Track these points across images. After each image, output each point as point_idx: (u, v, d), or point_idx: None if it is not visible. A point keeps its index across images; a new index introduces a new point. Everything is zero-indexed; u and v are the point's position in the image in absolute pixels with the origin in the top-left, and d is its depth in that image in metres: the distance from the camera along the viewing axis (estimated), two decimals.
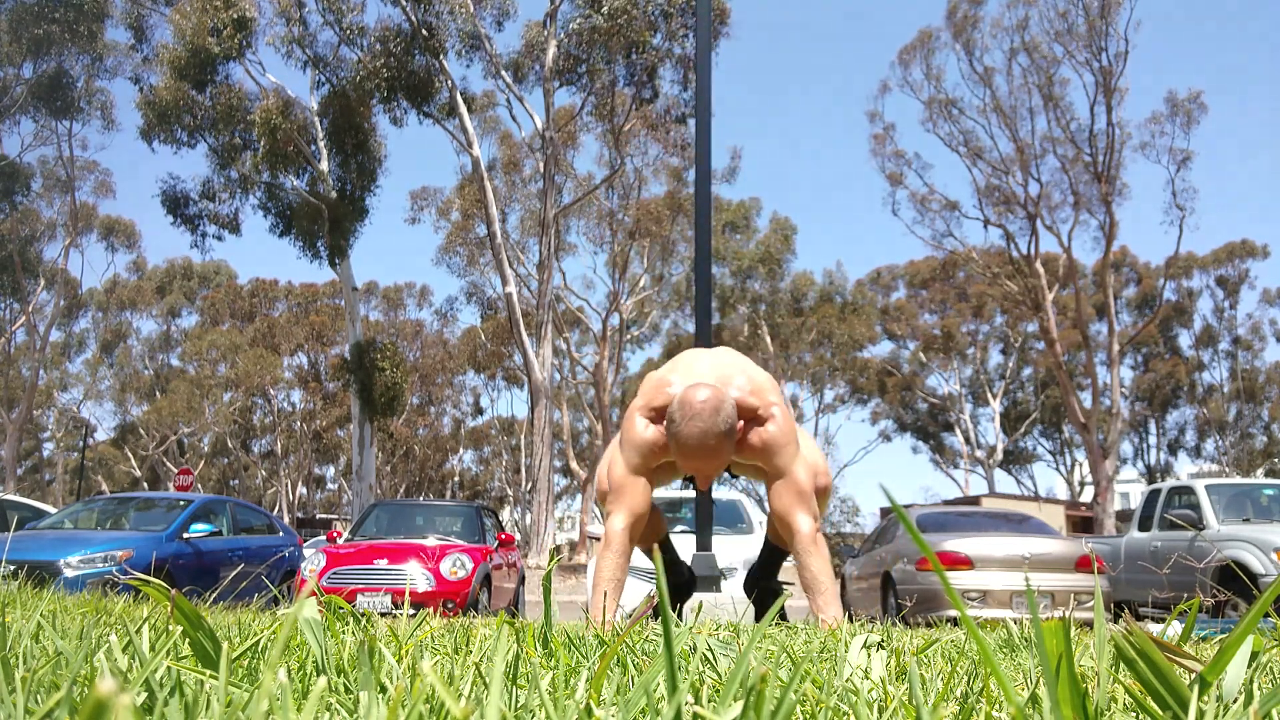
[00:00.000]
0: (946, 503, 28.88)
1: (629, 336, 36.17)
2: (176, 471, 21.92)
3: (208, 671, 0.77)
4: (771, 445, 3.04)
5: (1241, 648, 0.64)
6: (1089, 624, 6.50)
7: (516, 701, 0.78)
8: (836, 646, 1.30)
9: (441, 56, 21.76)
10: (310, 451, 42.90)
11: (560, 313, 31.27)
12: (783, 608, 3.35)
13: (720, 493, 9.97)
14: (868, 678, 0.97)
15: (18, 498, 11.31)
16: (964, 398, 42.73)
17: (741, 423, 3.03)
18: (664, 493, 11.25)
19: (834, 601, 2.94)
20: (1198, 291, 41.77)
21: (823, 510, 3.19)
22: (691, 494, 7.98)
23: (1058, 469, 44.51)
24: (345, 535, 10.05)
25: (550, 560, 1.39)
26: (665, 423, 2.92)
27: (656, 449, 3.06)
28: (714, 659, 1.03)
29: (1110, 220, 26.06)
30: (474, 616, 3.01)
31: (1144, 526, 10.04)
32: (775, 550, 3.41)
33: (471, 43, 22.70)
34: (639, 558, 8.31)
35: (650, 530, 3.40)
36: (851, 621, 2.69)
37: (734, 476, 3.31)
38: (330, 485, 50.96)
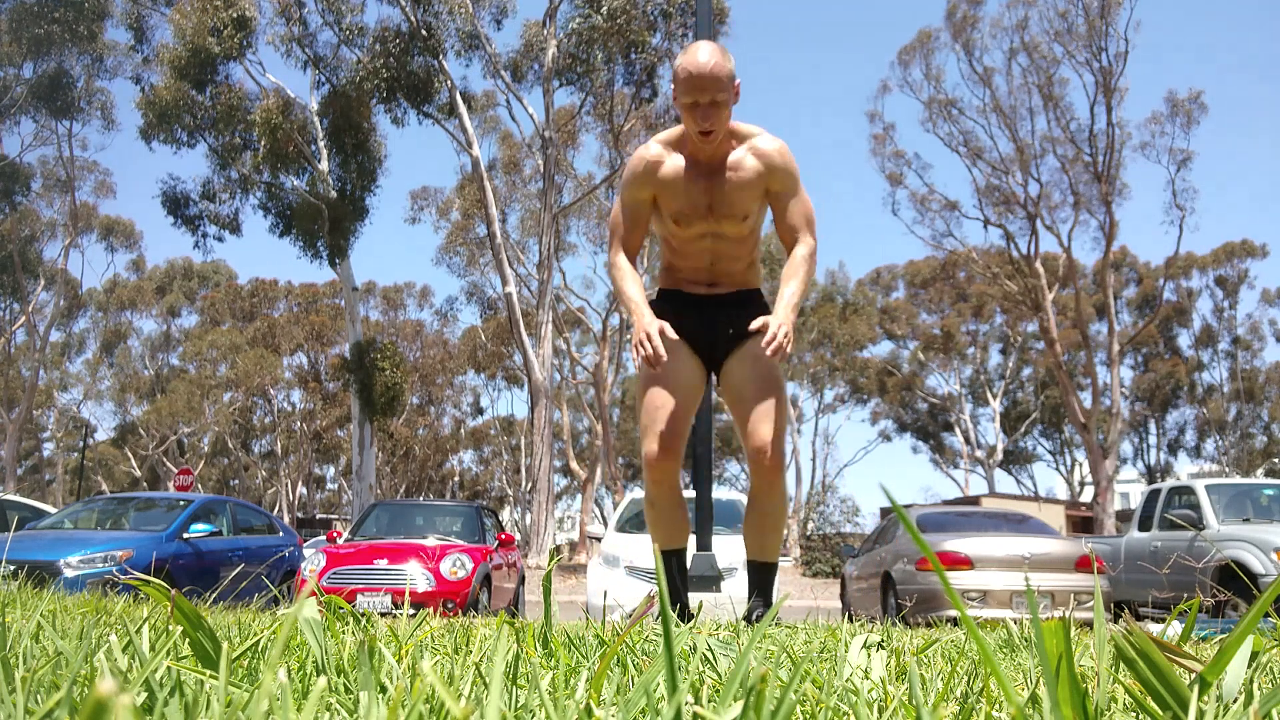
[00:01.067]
0: (946, 503, 28.88)
1: (629, 337, 36.13)
2: (176, 471, 21.93)
3: (208, 671, 0.77)
4: (783, 152, 3.09)
5: (1241, 648, 0.64)
6: (1089, 624, 6.50)
7: (516, 701, 0.78)
8: (836, 646, 1.30)
9: (441, 56, 21.77)
10: (310, 451, 42.91)
11: (560, 313, 31.27)
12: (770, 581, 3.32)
13: (720, 493, 9.97)
14: (868, 678, 0.97)
15: (18, 498, 11.31)
16: (964, 398, 42.74)
17: (742, 131, 3.13)
18: None
19: (799, 291, 3.04)
20: (1197, 291, 41.81)
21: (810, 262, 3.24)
22: (691, 494, 7.97)
23: (1058, 469, 44.54)
24: (345, 535, 10.05)
25: (550, 560, 1.39)
26: (674, 75, 3.00)
27: (654, 164, 3.12)
28: (714, 659, 1.03)
29: (1110, 220, 26.07)
30: (474, 616, 2.99)
31: (1144, 526, 10.04)
32: (760, 569, 3.30)
33: (471, 42, 22.72)
34: (638, 557, 8.31)
35: (678, 529, 3.35)
36: (851, 621, 2.70)
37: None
38: (330, 485, 50.98)
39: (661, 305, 3.28)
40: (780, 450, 3.07)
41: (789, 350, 2.94)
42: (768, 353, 2.88)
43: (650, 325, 2.93)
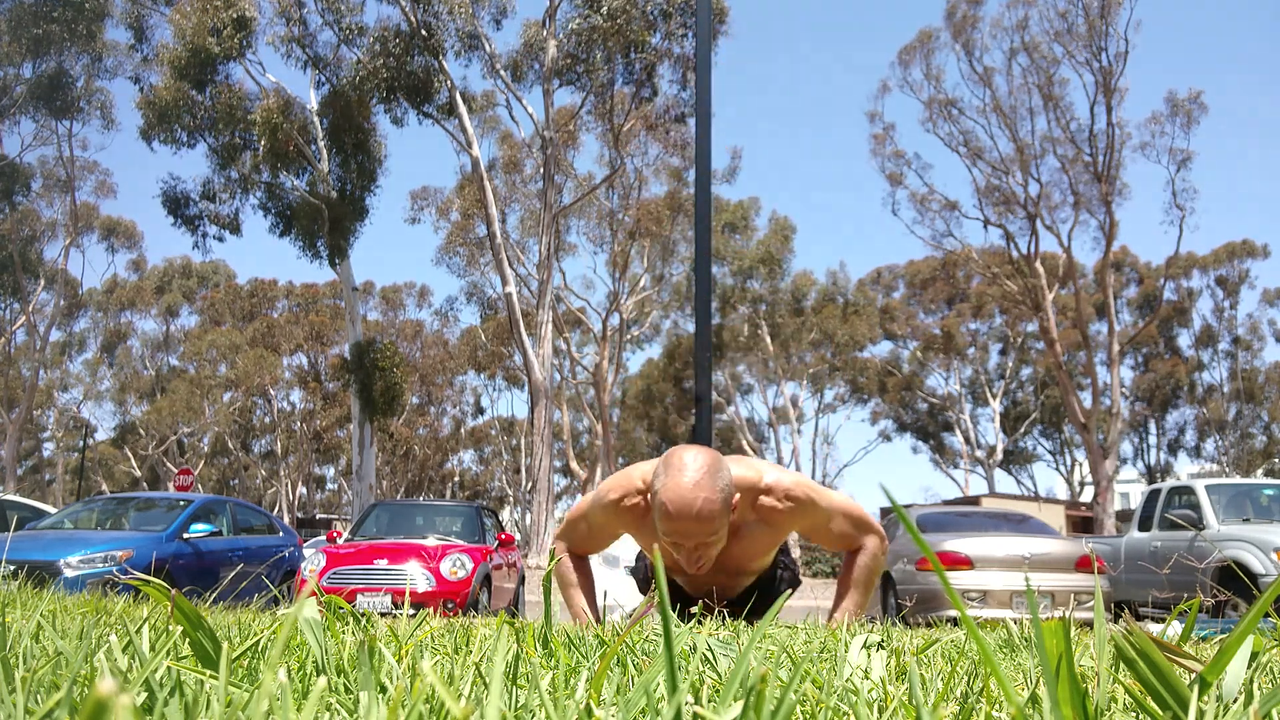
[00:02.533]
0: (946, 503, 28.87)
1: (629, 336, 36.18)
2: (176, 471, 21.92)
3: (208, 671, 0.78)
4: (796, 506, 2.56)
5: (1241, 648, 0.64)
6: (1089, 624, 6.50)
7: (516, 701, 0.78)
8: (836, 646, 1.30)
9: (440, 56, 21.77)
10: (310, 451, 42.91)
11: (560, 313, 31.27)
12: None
13: None
14: (868, 678, 0.97)
15: (18, 498, 11.31)
16: (964, 398, 42.74)
17: (744, 499, 2.58)
18: None
19: (853, 609, 2.59)
20: (1198, 291, 41.81)
21: (877, 567, 2.69)
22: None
23: (1058, 469, 44.54)
24: (345, 535, 10.05)
25: (550, 560, 1.39)
26: (651, 492, 2.41)
27: (629, 523, 2.63)
28: (714, 659, 1.03)
29: (1110, 220, 26.07)
30: (474, 616, 2.98)
31: (1144, 526, 10.04)
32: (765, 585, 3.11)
33: (470, 42, 22.71)
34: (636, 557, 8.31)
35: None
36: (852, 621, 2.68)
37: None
38: (330, 485, 50.98)
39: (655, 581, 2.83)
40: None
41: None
42: None
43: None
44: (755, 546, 2.62)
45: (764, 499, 2.54)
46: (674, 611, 2.74)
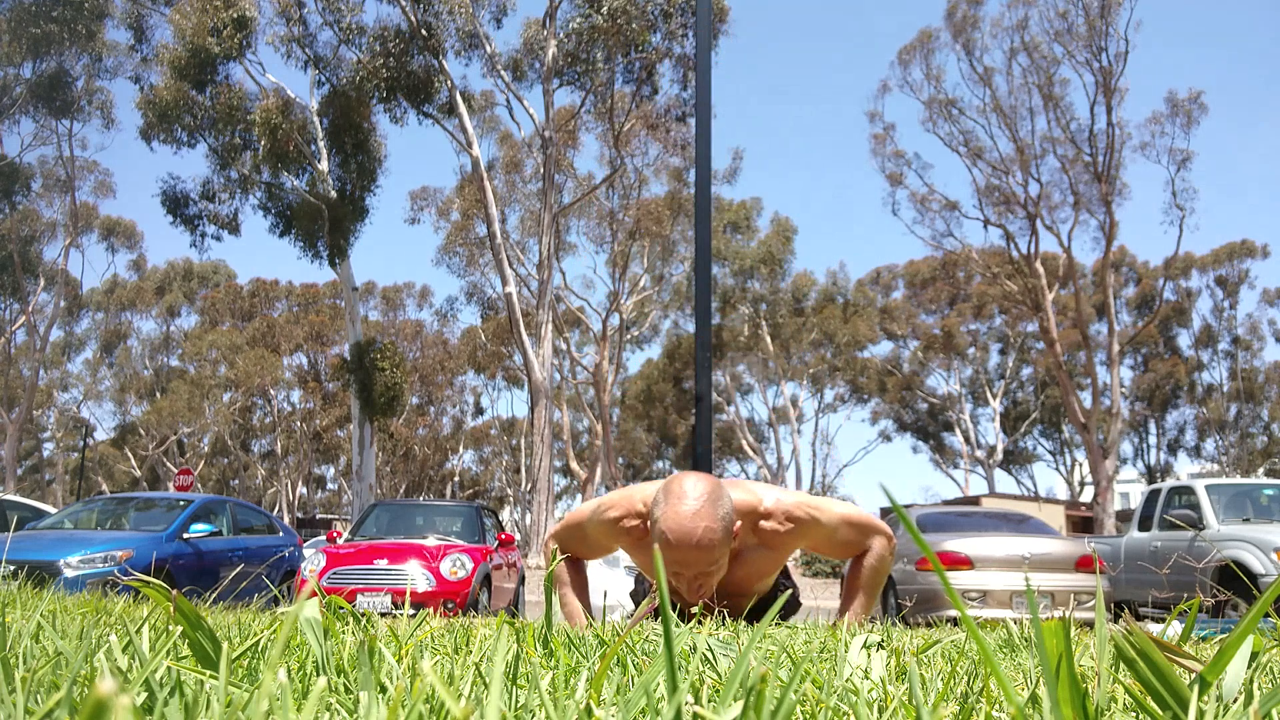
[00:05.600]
0: (946, 503, 28.88)
1: (629, 336, 36.20)
2: (176, 471, 21.93)
3: (208, 671, 0.78)
4: (796, 517, 2.52)
5: (1241, 648, 0.64)
6: (1089, 624, 6.50)
7: (516, 701, 0.78)
8: (836, 646, 1.30)
9: (440, 56, 21.77)
10: (310, 451, 42.91)
11: (560, 313, 31.27)
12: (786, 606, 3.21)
13: None
14: (868, 678, 0.97)
15: (18, 498, 11.31)
16: (964, 398, 42.75)
17: (745, 524, 2.57)
18: None
19: (860, 612, 2.58)
20: (1197, 292, 41.82)
21: (883, 571, 2.67)
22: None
23: (1058, 469, 44.55)
24: (345, 535, 10.05)
25: (551, 560, 1.39)
26: (651, 518, 2.38)
27: (625, 536, 2.60)
28: (714, 659, 1.03)
29: (1110, 220, 26.07)
30: (474, 616, 2.98)
31: (1144, 526, 10.04)
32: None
33: (470, 42, 22.71)
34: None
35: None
36: None
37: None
38: (330, 485, 50.98)
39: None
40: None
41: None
42: None
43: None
44: (757, 569, 2.59)
45: (765, 523, 2.51)
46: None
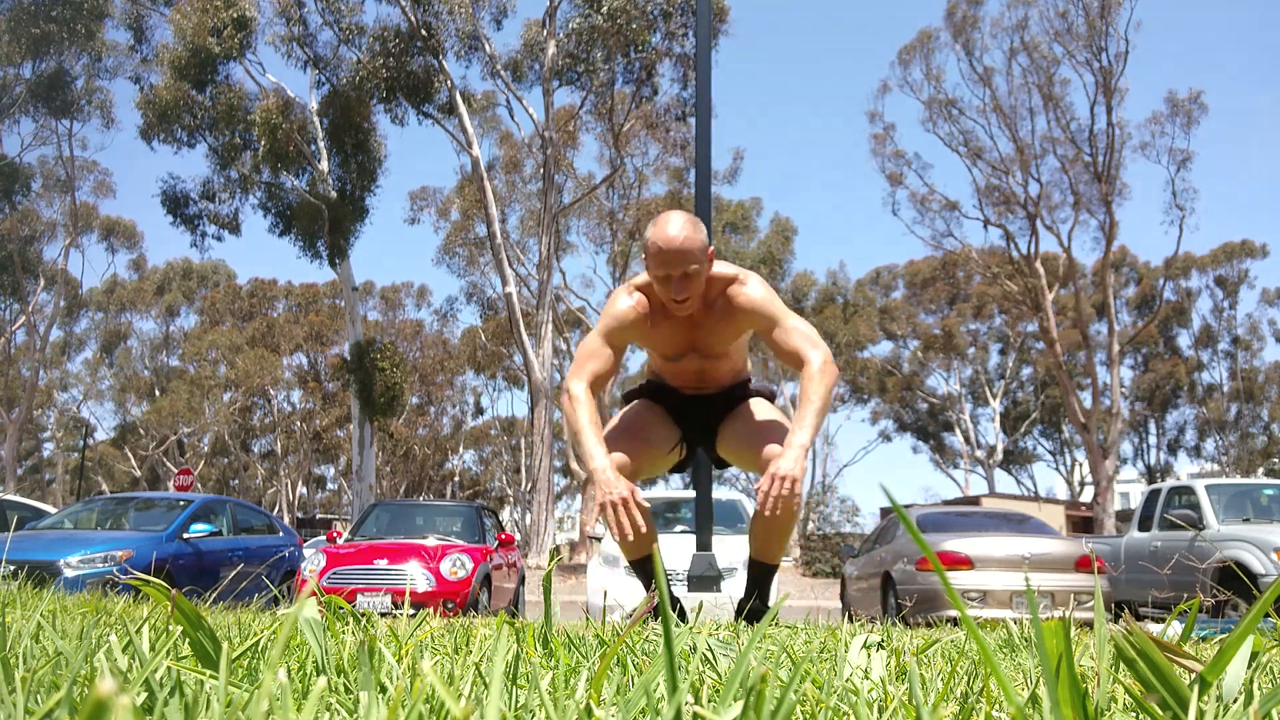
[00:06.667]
0: (946, 503, 28.89)
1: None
2: (176, 471, 21.93)
3: (208, 671, 0.78)
4: (758, 300, 3.05)
5: (1241, 648, 0.64)
6: (1089, 624, 6.50)
7: (516, 701, 0.78)
8: (836, 646, 1.30)
9: (440, 56, 21.77)
10: (310, 451, 42.91)
11: (560, 313, 31.27)
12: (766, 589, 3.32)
13: (720, 493, 9.96)
14: (868, 678, 0.97)
15: (18, 498, 11.31)
16: (964, 398, 42.75)
17: (718, 284, 3.11)
18: (664, 493, 11.25)
19: (813, 424, 2.88)
20: (1197, 291, 41.82)
21: (826, 379, 3.06)
22: (692, 494, 7.97)
23: (1058, 469, 44.56)
24: (345, 535, 10.05)
25: (550, 560, 1.39)
26: (644, 248, 2.97)
27: (636, 314, 3.12)
28: (714, 659, 1.03)
29: (1110, 220, 26.07)
30: (474, 616, 2.98)
31: (1144, 526, 10.04)
32: (759, 568, 3.33)
33: (470, 42, 22.72)
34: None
35: (646, 535, 3.33)
36: (851, 621, 2.69)
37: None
38: (330, 485, 50.99)
39: (649, 388, 3.39)
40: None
41: (797, 506, 2.83)
42: (765, 512, 2.84)
43: (618, 487, 2.80)
44: (725, 329, 3.12)
45: (733, 288, 3.07)
46: (661, 406, 3.28)
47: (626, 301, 3.14)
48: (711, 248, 3.00)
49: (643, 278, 3.17)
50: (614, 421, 3.28)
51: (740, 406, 3.28)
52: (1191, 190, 32.31)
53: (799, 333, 3.04)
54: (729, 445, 3.28)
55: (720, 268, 3.09)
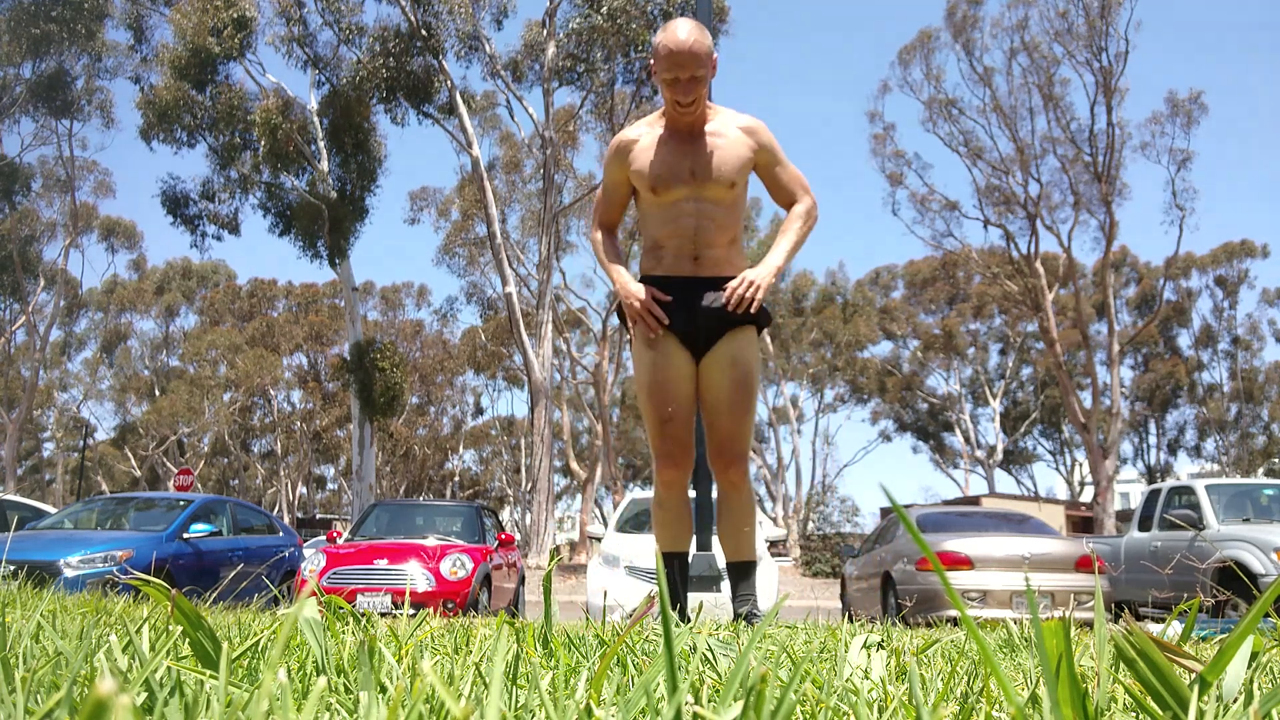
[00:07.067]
0: (946, 503, 28.88)
1: (629, 337, 36.13)
2: (176, 471, 21.93)
3: (208, 671, 0.78)
4: (765, 129, 3.21)
5: (1241, 648, 0.64)
6: (1089, 624, 6.50)
7: (516, 701, 0.78)
8: (836, 646, 1.30)
9: (440, 56, 21.76)
10: (310, 451, 42.91)
11: (560, 313, 31.27)
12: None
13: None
14: (868, 678, 0.97)
15: (18, 498, 11.30)
16: (964, 398, 42.74)
17: (729, 117, 3.26)
18: None
19: (787, 250, 3.19)
20: (1197, 291, 41.81)
21: (810, 222, 3.37)
22: (691, 494, 7.96)
23: (1058, 469, 44.54)
24: (345, 535, 10.05)
25: (550, 560, 1.39)
26: (653, 52, 3.08)
27: (635, 135, 3.24)
28: (714, 659, 1.03)
29: (1110, 220, 26.07)
30: (474, 616, 2.98)
31: (1144, 526, 10.04)
32: (738, 569, 3.34)
33: (470, 43, 22.71)
34: (638, 558, 8.31)
35: (683, 532, 3.36)
36: (851, 621, 2.69)
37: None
38: (330, 485, 50.98)
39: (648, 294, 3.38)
40: (742, 451, 3.15)
41: (754, 299, 3.08)
42: (729, 304, 3.07)
43: (638, 290, 3.13)
44: (726, 154, 3.16)
45: (740, 116, 3.24)
46: (662, 345, 3.24)
47: (622, 134, 3.29)
48: (716, 55, 3.11)
49: (643, 118, 3.33)
50: (649, 408, 3.21)
51: (727, 345, 3.16)
52: (1191, 190, 32.35)
53: (796, 179, 3.28)
54: (704, 386, 3.20)
55: (718, 105, 3.26)
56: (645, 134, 3.23)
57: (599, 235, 3.41)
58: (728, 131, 3.17)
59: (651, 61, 3.11)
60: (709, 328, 3.18)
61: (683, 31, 3.02)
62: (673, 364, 3.18)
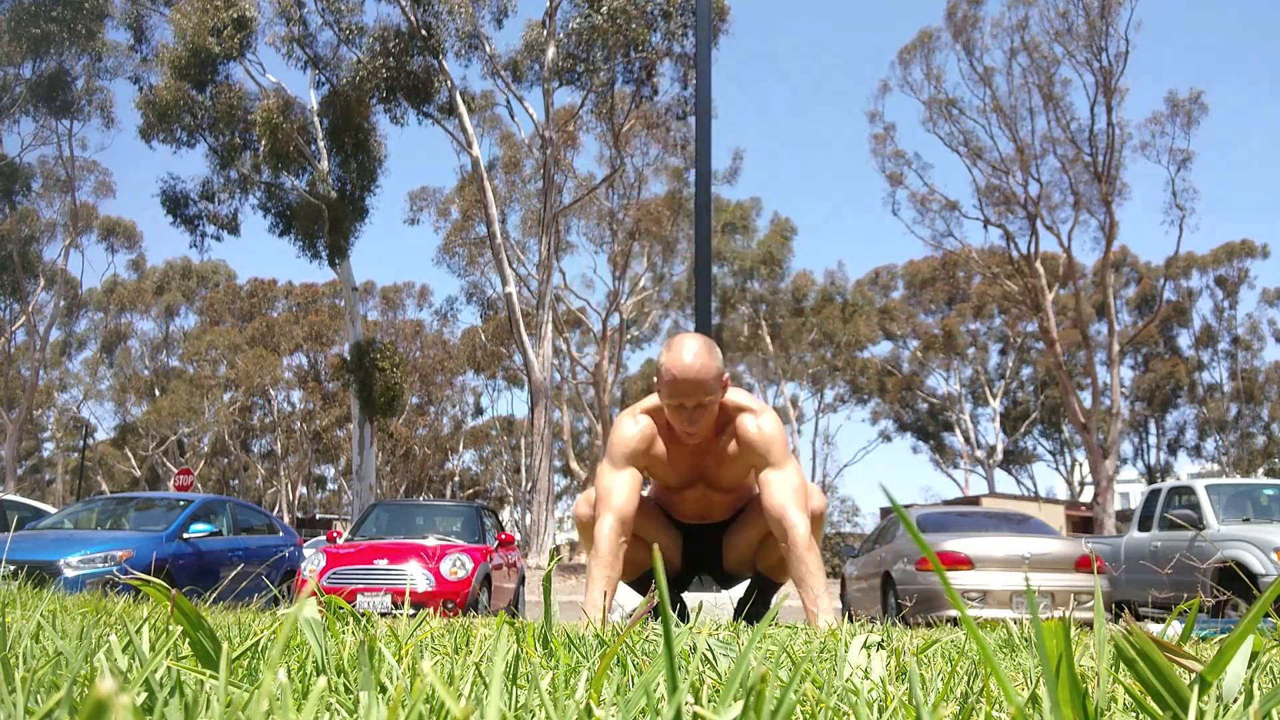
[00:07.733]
0: (946, 503, 28.87)
1: (629, 336, 36.18)
2: (176, 471, 21.93)
3: (208, 671, 0.77)
4: (766, 436, 2.92)
5: (1241, 648, 0.64)
6: (1089, 624, 6.49)
7: (516, 701, 0.78)
8: (836, 646, 1.30)
9: (440, 56, 21.76)
10: (310, 451, 42.90)
11: (560, 313, 31.26)
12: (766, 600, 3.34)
13: None
14: (868, 678, 0.97)
15: (18, 498, 11.30)
16: (964, 398, 42.74)
17: (729, 413, 3.03)
18: None
19: (826, 598, 2.78)
20: (1197, 291, 41.81)
21: (817, 536, 2.96)
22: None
23: (1058, 469, 44.54)
24: (345, 535, 10.05)
25: (550, 560, 1.39)
26: (657, 372, 2.88)
27: (645, 437, 3.00)
28: (714, 659, 1.03)
29: (1110, 220, 26.07)
30: (474, 616, 2.98)
31: (1144, 526, 10.04)
32: (765, 580, 3.27)
33: (470, 42, 22.71)
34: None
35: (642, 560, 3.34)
36: (851, 621, 2.69)
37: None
38: (330, 485, 50.97)
39: (654, 504, 3.32)
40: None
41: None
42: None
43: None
44: (733, 462, 3.01)
45: (745, 416, 2.96)
46: (667, 533, 3.24)
47: (632, 427, 2.99)
48: (727, 375, 2.91)
49: (648, 402, 3.05)
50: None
51: (745, 517, 3.22)
52: (1191, 190, 32.31)
53: (792, 487, 2.86)
54: (736, 556, 3.24)
55: (738, 397, 2.99)
56: (655, 438, 3.00)
57: (608, 529, 2.81)
58: (730, 445, 2.99)
59: (655, 379, 2.91)
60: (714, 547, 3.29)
61: (688, 355, 2.78)
62: (664, 535, 3.29)
